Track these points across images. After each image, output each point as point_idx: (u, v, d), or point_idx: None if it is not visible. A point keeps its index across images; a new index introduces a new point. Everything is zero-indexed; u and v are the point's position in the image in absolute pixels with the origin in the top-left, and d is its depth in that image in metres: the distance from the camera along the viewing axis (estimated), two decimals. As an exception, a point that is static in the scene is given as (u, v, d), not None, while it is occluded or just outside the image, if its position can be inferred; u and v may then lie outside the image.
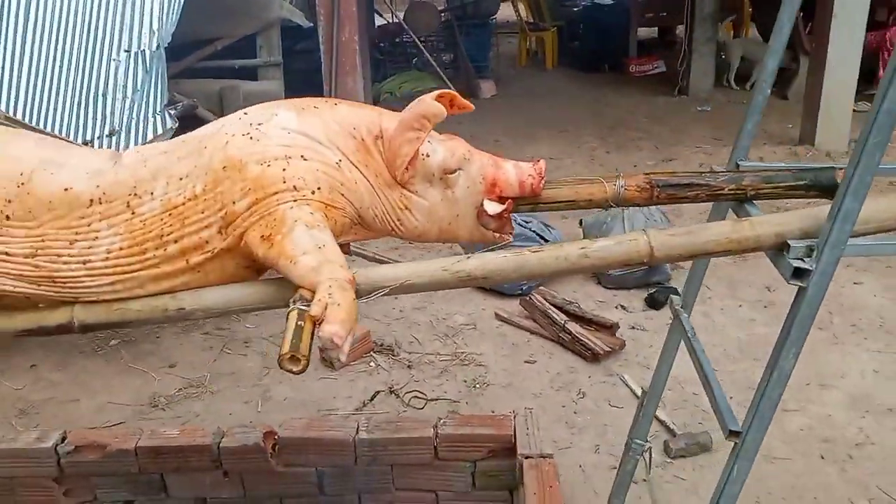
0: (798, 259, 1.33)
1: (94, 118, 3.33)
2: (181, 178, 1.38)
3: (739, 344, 3.48)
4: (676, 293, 3.86)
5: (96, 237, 1.37)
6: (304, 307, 1.16)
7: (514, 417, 2.46)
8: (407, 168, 1.43)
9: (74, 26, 3.49)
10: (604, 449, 2.81)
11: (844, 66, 6.04)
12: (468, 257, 1.36)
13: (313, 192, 1.36)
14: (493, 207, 1.51)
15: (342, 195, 1.40)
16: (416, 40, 8.53)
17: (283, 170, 1.35)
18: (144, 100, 3.34)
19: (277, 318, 3.82)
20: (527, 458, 2.28)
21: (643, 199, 1.61)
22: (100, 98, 3.37)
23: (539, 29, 11.11)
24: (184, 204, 1.37)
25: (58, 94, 3.42)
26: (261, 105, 1.50)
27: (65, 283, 1.37)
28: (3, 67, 3.49)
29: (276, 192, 1.34)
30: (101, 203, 1.38)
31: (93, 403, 3.21)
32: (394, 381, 3.26)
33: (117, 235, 1.37)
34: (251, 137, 1.39)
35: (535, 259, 1.36)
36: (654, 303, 3.77)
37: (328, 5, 5.45)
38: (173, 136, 3.43)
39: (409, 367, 3.37)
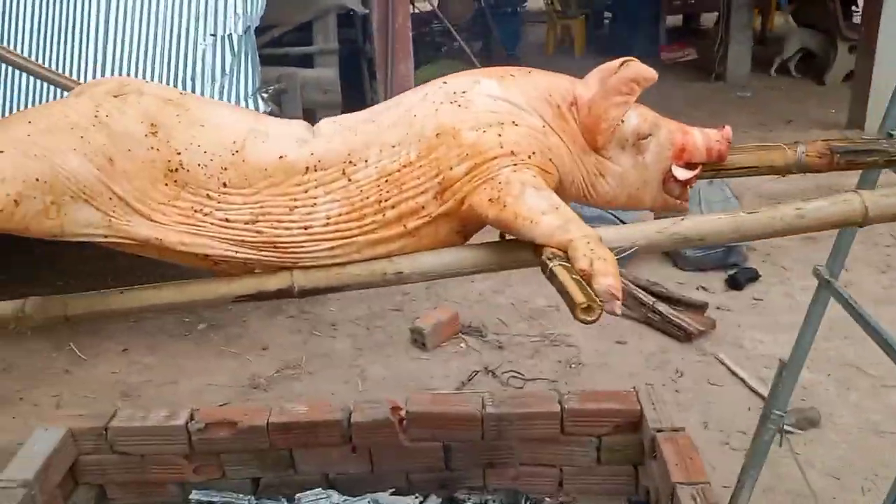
0: None
1: (185, 103, 3.34)
2: (393, 146, 1.40)
3: (828, 322, 3.47)
4: (756, 274, 3.88)
5: (314, 203, 1.39)
6: (565, 263, 1.17)
7: (637, 393, 2.48)
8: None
9: (157, 12, 3.50)
10: (712, 426, 2.83)
11: (894, 49, 6.03)
12: (682, 219, 1.38)
13: (529, 157, 1.38)
14: (683, 173, 1.53)
15: (550, 160, 1.42)
16: (451, 29, 8.52)
17: (499, 135, 1.37)
18: (235, 84, 3.35)
19: (361, 301, 3.85)
20: (659, 431, 2.31)
21: (823, 166, 1.62)
22: (188, 82, 3.37)
23: (567, 17, 11.08)
24: (399, 171, 1.39)
25: (145, 79, 3.43)
26: (459, 74, 1.51)
27: (286, 248, 1.39)
28: (87, 54, 3.50)
29: (495, 157, 1.35)
30: (315, 170, 1.40)
31: (191, 385, 3.24)
32: (487, 362, 3.28)
33: (335, 202, 1.39)
34: (459, 105, 1.41)
35: (750, 220, 1.38)
36: (735, 283, 3.78)
37: (383, -8, 5.45)
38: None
39: (499, 347, 3.40)
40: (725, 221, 1.37)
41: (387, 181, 1.39)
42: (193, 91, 3.37)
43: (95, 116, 1.35)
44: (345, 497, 2.42)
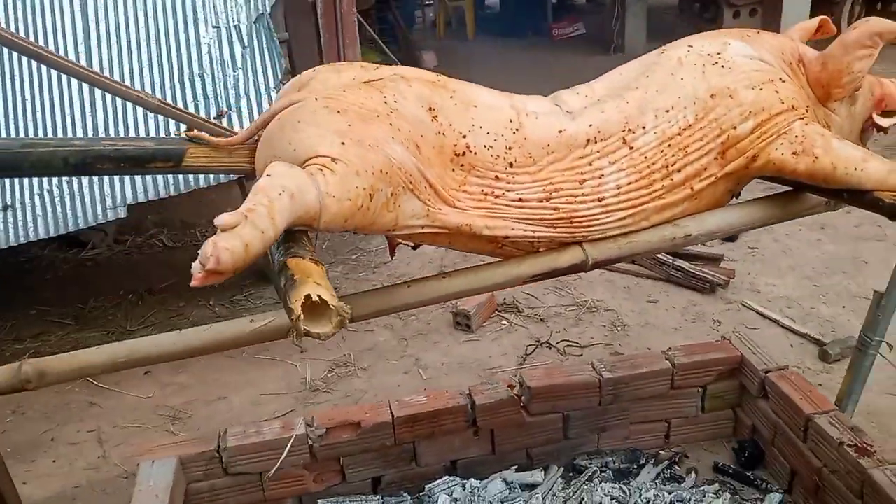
0: None
1: (196, 100, 3.11)
2: (667, 110, 1.43)
3: (822, 261, 3.84)
4: (743, 225, 4.17)
5: (601, 175, 1.40)
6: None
7: (730, 340, 2.64)
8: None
9: (154, 6, 3.23)
10: (770, 364, 3.05)
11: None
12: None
13: (806, 110, 1.45)
14: (886, 121, 1.66)
15: (814, 114, 1.50)
16: (359, 16, 8.38)
17: (776, 92, 1.43)
18: (252, 76, 3.15)
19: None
20: (767, 372, 2.47)
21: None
22: (196, 79, 3.14)
23: (456, -1, 11.19)
24: (679, 134, 1.42)
25: (151, 79, 3.16)
26: (701, 36, 1.55)
27: (581, 222, 1.39)
28: (66, 55, 3.18)
29: (780, 113, 1.42)
30: (596, 142, 1.41)
31: (244, 398, 3.06)
32: (537, 335, 3.34)
33: (621, 171, 1.40)
34: (722, 66, 1.46)
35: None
36: (729, 236, 4.06)
37: (325, -23, 5.30)
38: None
39: (541, 320, 3.46)
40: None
41: (669, 146, 1.41)
42: (205, 87, 3.16)
43: (386, 103, 1.28)
44: (476, 481, 2.40)
